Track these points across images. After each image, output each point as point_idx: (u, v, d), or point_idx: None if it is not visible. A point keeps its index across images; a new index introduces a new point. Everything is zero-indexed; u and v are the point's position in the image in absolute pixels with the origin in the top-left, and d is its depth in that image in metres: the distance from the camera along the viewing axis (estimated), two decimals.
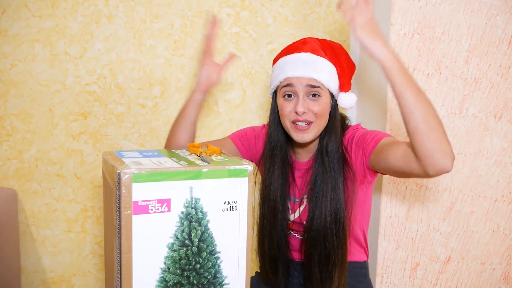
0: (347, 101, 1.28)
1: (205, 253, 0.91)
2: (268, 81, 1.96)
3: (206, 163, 0.93)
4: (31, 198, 1.96)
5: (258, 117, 1.97)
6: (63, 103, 1.91)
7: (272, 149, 1.32)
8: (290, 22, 1.94)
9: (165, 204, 0.87)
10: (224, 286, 0.95)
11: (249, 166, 0.93)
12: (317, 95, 1.22)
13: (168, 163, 0.92)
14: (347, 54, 1.31)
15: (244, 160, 0.98)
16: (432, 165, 1.01)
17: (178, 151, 1.09)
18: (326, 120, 1.27)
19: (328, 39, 1.94)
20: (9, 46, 1.86)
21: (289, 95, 1.24)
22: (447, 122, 1.66)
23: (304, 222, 1.29)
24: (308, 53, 1.23)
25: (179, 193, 0.88)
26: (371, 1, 1.09)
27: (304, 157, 1.34)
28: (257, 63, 1.95)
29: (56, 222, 1.98)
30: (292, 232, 1.36)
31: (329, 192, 1.24)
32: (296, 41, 1.32)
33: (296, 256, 1.37)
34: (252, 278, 1.42)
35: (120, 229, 0.85)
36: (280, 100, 1.27)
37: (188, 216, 0.89)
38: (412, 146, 1.05)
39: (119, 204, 0.84)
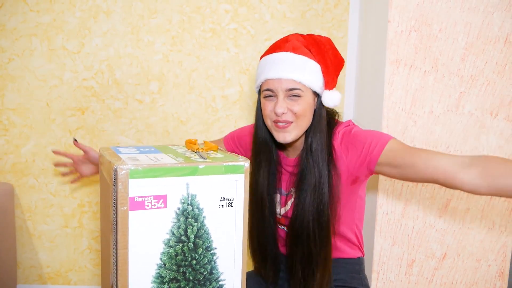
0: (330, 100, 1.24)
1: (201, 249, 0.92)
2: None
3: (202, 160, 0.93)
4: (28, 193, 1.96)
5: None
6: (61, 98, 1.90)
7: (258, 146, 1.32)
8: (288, 19, 1.94)
9: (161, 200, 0.87)
10: (220, 282, 0.95)
11: (246, 163, 0.93)
12: (297, 96, 1.20)
13: (165, 159, 0.92)
14: (334, 49, 1.27)
15: (240, 156, 0.98)
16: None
17: (175, 147, 1.09)
18: (310, 119, 1.24)
19: (326, 35, 1.94)
20: (7, 41, 1.85)
21: (270, 95, 1.22)
22: (444, 120, 1.67)
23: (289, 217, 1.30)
24: (289, 53, 1.20)
25: (175, 189, 0.88)
26: None
27: (291, 154, 1.33)
28: (254, 59, 1.95)
29: (52, 217, 1.98)
30: (282, 226, 1.36)
31: (312, 190, 1.23)
32: (280, 39, 1.29)
33: (284, 251, 1.37)
34: (248, 273, 1.42)
35: (116, 224, 0.85)
36: (262, 100, 1.26)
37: (185, 212, 0.89)
38: (471, 190, 1.06)
39: (116, 199, 0.84)
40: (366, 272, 1.47)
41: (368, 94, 1.84)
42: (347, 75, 2.01)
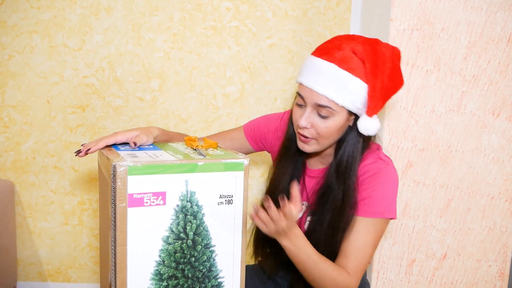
0: (364, 129, 1.09)
1: (200, 246, 0.91)
2: (267, 75, 1.95)
3: (202, 157, 0.93)
4: (28, 190, 1.96)
5: (257, 112, 1.97)
6: (61, 95, 1.90)
7: (287, 143, 1.24)
8: (290, 17, 1.93)
9: (160, 197, 0.87)
10: (219, 279, 0.95)
11: (245, 160, 0.93)
12: (325, 116, 1.08)
13: (164, 156, 0.92)
14: (395, 68, 1.10)
15: (240, 154, 0.97)
16: None
17: (174, 145, 1.08)
18: (335, 139, 1.13)
19: (327, 34, 1.94)
20: (7, 37, 1.85)
21: (301, 103, 1.13)
22: (445, 119, 1.66)
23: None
24: (333, 65, 1.06)
25: (174, 186, 0.88)
26: (289, 215, 0.98)
27: (313, 165, 1.26)
28: (256, 57, 1.94)
29: (53, 215, 1.98)
30: None
31: (333, 210, 1.15)
32: (336, 41, 1.12)
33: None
34: (247, 266, 1.41)
35: (115, 221, 0.85)
36: (294, 101, 1.18)
37: (184, 209, 0.89)
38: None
39: (114, 196, 0.84)
40: (367, 271, 1.47)
41: None
42: None
